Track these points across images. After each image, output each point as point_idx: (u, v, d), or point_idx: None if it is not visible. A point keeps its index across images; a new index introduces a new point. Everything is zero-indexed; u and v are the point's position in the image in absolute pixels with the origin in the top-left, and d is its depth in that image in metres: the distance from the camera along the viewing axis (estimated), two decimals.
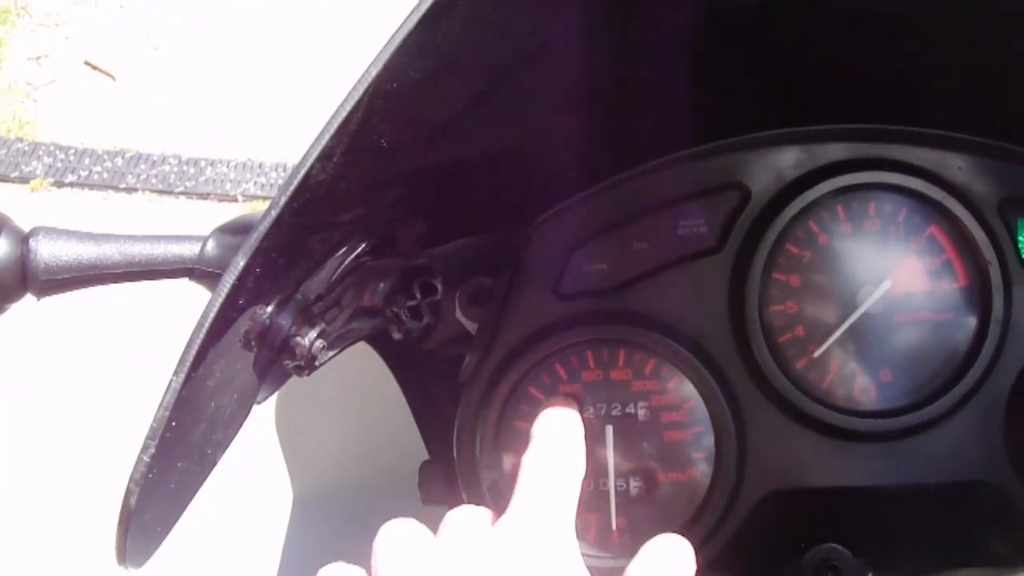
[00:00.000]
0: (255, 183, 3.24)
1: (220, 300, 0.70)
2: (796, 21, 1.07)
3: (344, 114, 0.72)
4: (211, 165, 3.39)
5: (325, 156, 0.73)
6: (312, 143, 0.72)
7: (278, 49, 3.51)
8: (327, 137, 0.72)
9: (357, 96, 0.72)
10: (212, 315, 0.70)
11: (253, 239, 0.72)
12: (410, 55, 0.74)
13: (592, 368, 1.22)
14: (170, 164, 3.42)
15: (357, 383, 1.47)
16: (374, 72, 0.72)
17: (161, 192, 3.37)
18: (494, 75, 0.94)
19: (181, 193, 3.38)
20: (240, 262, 0.71)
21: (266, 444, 1.51)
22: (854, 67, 1.16)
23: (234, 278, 0.71)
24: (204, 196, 3.39)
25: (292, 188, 0.72)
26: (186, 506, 0.88)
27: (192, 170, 3.37)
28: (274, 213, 0.72)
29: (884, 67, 1.15)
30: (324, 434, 1.53)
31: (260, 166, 3.34)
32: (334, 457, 1.52)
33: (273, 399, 1.55)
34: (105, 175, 3.37)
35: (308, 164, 0.72)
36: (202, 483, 0.91)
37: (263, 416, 1.52)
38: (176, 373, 0.70)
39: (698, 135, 1.22)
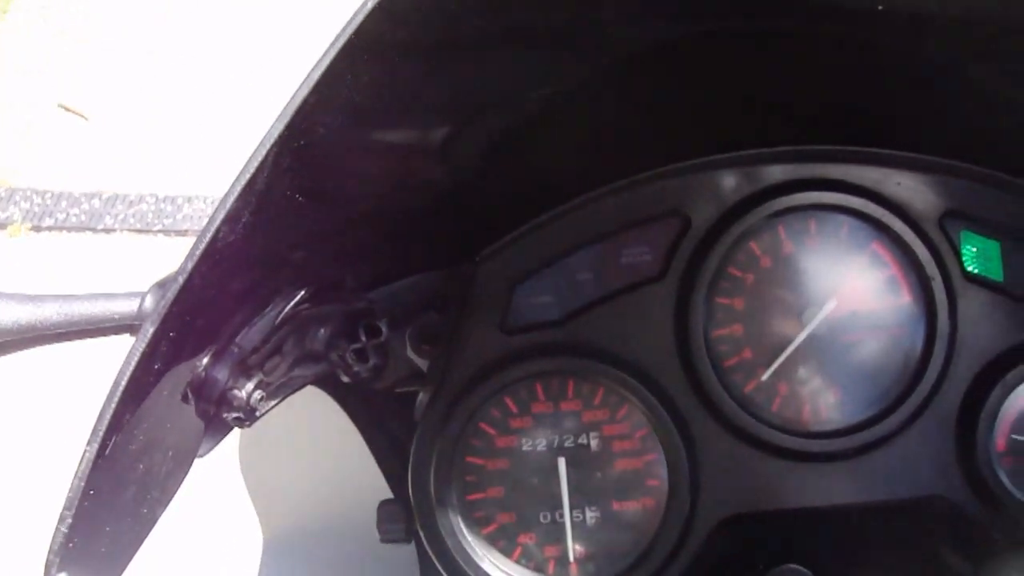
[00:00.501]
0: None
1: (130, 369, 0.71)
2: (733, 49, 1.07)
3: (247, 176, 0.72)
4: (188, 202, 3.38)
5: (231, 219, 0.73)
6: (216, 207, 0.72)
7: (251, 83, 3.52)
8: (231, 200, 0.72)
9: (260, 158, 0.72)
10: (123, 384, 0.70)
11: (161, 306, 0.72)
12: (314, 111, 0.74)
13: (542, 400, 1.23)
14: (147, 203, 3.42)
15: (320, 423, 1.47)
16: (275, 132, 0.72)
17: (139, 231, 3.37)
18: (418, 124, 0.94)
19: (159, 231, 3.38)
20: (149, 330, 0.72)
21: (229, 487, 1.51)
22: (793, 91, 1.16)
23: (143, 346, 0.71)
24: (183, 233, 3.38)
25: (199, 253, 0.72)
26: (125, 564, 0.88)
27: (169, 208, 3.37)
28: (181, 279, 0.72)
29: (824, 89, 1.15)
30: (288, 475, 1.53)
31: None
32: (297, 498, 1.52)
33: (237, 442, 1.55)
34: (83, 217, 3.37)
35: (213, 228, 0.72)
36: (142, 540, 0.90)
37: (225, 460, 1.52)
38: (89, 443, 0.70)
39: (637, 163, 1.23)
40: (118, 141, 3.55)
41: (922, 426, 1.21)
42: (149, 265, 3.32)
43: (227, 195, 0.72)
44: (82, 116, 3.60)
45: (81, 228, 3.39)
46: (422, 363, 1.26)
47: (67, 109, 3.61)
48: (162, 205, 3.44)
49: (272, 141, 0.72)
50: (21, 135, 3.60)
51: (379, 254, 1.16)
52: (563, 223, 1.25)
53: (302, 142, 0.76)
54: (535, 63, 0.99)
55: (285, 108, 0.72)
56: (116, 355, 0.74)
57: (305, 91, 0.72)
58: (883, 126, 1.21)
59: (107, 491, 0.76)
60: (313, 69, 0.72)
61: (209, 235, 0.72)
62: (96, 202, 3.44)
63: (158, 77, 3.65)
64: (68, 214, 3.41)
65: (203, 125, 3.51)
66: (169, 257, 3.32)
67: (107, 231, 3.39)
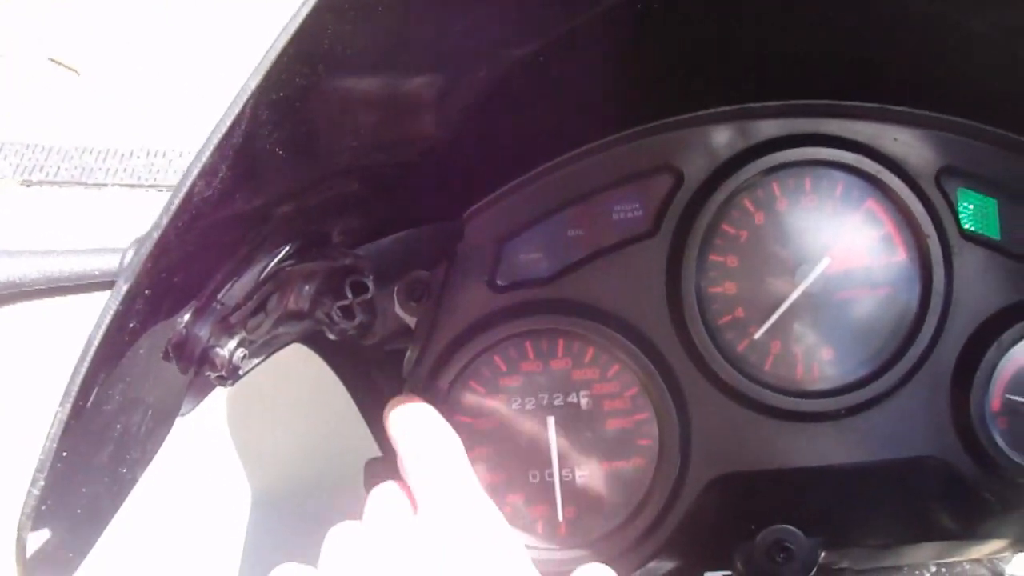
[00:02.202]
0: None
1: (103, 328, 0.69)
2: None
3: (224, 129, 0.70)
4: (179, 156, 3.35)
5: (208, 172, 0.71)
6: (192, 161, 0.70)
7: (244, 36, 3.48)
8: (207, 154, 0.70)
9: (237, 110, 0.70)
10: (96, 343, 0.68)
11: (135, 263, 0.70)
12: (294, 62, 0.72)
13: (531, 359, 1.21)
14: (139, 157, 3.38)
15: (309, 381, 1.46)
16: (253, 84, 0.70)
17: (132, 186, 3.34)
18: (401, 76, 0.92)
19: (151, 186, 3.35)
20: (122, 287, 0.70)
21: (218, 445, 1.50)
22: (787, 43, 1.14)
23: (116, 304, 0.69)
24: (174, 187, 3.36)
25: (174, 208, 0.70)
26: (103, 528, 0.87)
27: (161, 162, 3.34)
28: (155, 235, 0.70)
29: (818, 43, 1.13)
30: (277, 432, 1.52)
31: None
32: (287, 455, 1.51)
33: (225, 399, 1.54)
34: (74, 171, 3.34)
35: (188, 183, 0.70)
36: (121, 500, 0.89)
37: (214, 418, 1.51)
38: (61, 404, 0.68)
39: (628, 118, 1.21)
40: (109, 96, 3.52)
41: (916, 386, 1.19)
42: (140, 220, 3.30)
43: (202, 148, 0.70)
44: (73, 70, 3.56)
45: (72, 182, 3.37)
46: (410, 320, 1.24)
47: (58, 63, 3.57)
48: (153, 160, 3.41)
49: (249, 93, 0.70)
50: (11, 89, 3.56)
51: (365, 209, 1.13)
52: (552, 179, 1.23)
53: (281, 94, 0.74)
54: (522, 13, 0.96)
55: (263, 58, 0.70)
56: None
57: (283, 40, 0.70)
58: (879, 80, 1.19)
59: (82, 452, 0.75)
60: (292, 18, 0.70)
61: (184, 190, 0.70)
62: (87, 156, 3.41)
63: (150, 31, 3.61)
64: (59, 168, 3.38)
65: (195, 80, 3.47)
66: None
67: (98, 186, 3.36)
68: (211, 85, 3.43)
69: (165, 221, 0.70)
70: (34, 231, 3.27)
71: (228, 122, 0.70)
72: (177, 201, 0.70)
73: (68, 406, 0.68)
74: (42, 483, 0.69)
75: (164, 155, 3.41)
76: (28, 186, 3.37)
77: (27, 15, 3.70)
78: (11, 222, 3.30)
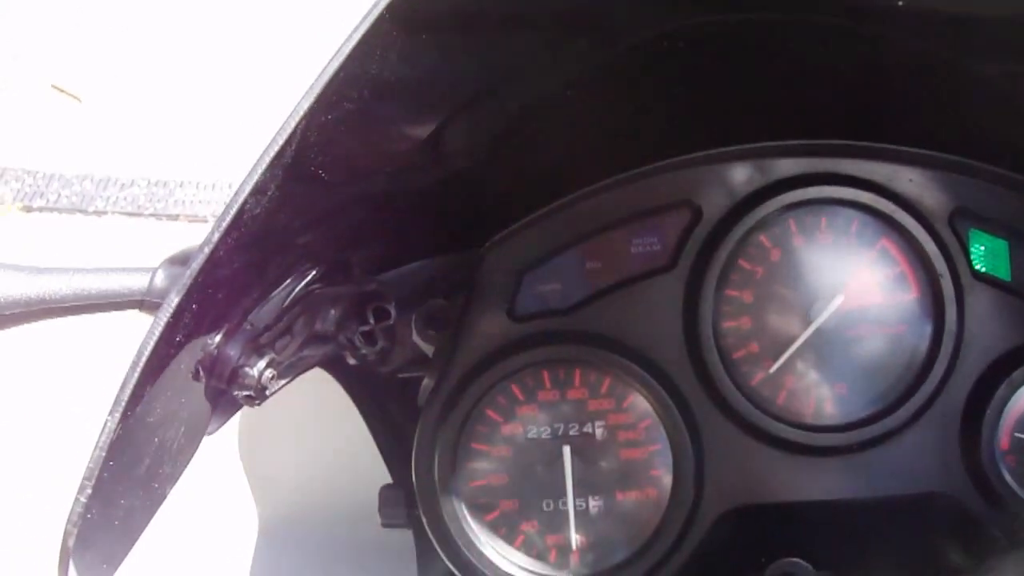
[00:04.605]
0: (224, 203, 3.19)
1: (154, 340, 0.70)
2: (744, 40, 1.07)
3: (276, 148, 0.72)
4: (180, 187, 3.37)
5: (258, 191, 0.73)
6: (244, 178, 0.72)
7: (245, 66, 3.50)
8: (259, 172, 0.72)
9: (289, 130, 0.72)
10: (147, 354, 0.70)
11: (187, 276, 0.72)
12: (343, 86, 0.74)
13: (548, 388, 1.23)
14: (139, 186, 3.40)
15: (321, 407, 1.46)
16: (306, 105, 0.72)
17: (131, 215, 3.36)
18: (437, 105, 0.94)
19: (151, 215, 3.36)
20: (174, 300, 0.71)
21: (230, 471, 1.50)
22: (804, 85, 1.16)
23: (168, 316, 0.71)
24: (174, 218, 3.37)
25: (225, 224, 0.72)
26: (135, 540, 0.88)
27: (161, 191, 3.36)
28: (207, 250, 0.72)
29: (836, 84, 1.15)
30: (288, 459, 1.52)
31: (229, 186, 3.32)
32: (298, 482, 1.51)
33: (236, 425, 1.55)
34: (74, 198, 3.36)
35: (241, 200, 0.72)
36: (151, 516, 0.90)
37: (227, 443, 1.51)
38: (111, 413, 0.70)
39: (649, 154, 1.23)
40: (111, 123, 3.53)
41: (926, 423, 1.21)
42: (139, 249, 3.30)
43: (255, 167, 0.72)
44: (76, 98, 3.58)
45: (72, 209, 3.38)
46: (427, 348, 1.25)
47: (60, 90, 3.59)
48: (154, 189, 3.42)
49: (303, 113, 0.71)
50: (14, 116, 3.58)
51: (388, 236, 1.15)
52: (573, 212, 1.25)
53: (329, 116, 0.76)
54: (548, 49, 0.99)
55: (315, 81, 0.72)
56: (116, 331, 0.74)
57: (337, 63, 0.72)
58: (895, 122, 1.21)
59: (125, 463, 0.76)
60: (345, 42, 0.72)
61: (236, 206, 0.71)
62: (88, 184, 3.42)
63: (152, 60, 3.63)
64: (60, 195, 3.39)
65: (196, 110, 3.49)
66: (159, 241, 3.30)
67: (98, 213, 3.38)
68: (211, 116, 3.45)
69: (216, 237, 0.72)
70: (33, 257, 3.28)
71: (280, 142, 0.72)
72: (229, 217, 0.72)
73: (118, 415, 0.69)
74: (89, 491, 0.70)
75: (165, 184, 3.43)
76: (28, 212, 3.38)
77: (31, 42, 3.72)
78: (11, 247, 3.30)
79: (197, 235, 0.89)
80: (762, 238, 1.22)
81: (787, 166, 1.23)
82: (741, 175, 1.23)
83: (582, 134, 1.16)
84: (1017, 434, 1.20)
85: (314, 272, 1.04)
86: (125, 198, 3.42)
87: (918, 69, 1.09)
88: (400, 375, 1.29)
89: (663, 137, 1.21)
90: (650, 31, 1.00)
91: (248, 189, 0.71)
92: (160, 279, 1.05)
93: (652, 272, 1.23)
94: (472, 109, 0.98)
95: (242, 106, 3.36)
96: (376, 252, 1.17)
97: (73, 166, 3.46)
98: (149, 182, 3.45)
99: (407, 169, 1.03)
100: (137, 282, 1.06)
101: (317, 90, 0.72)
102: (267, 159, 0.71)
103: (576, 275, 1.24)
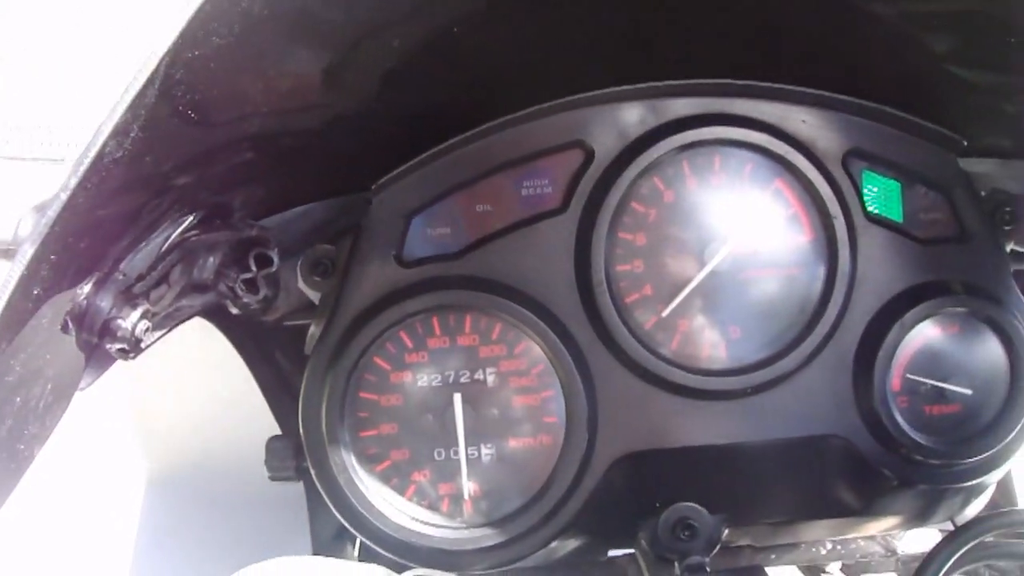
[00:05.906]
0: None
1: (7, 294, 0.65)
2: None
3: (138, 87, 0.67)
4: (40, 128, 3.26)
5: (119, 132, 0.68)
6: (103, 120, 0.67)
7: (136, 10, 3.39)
8: (119, 113, 0.67)
9: (151, 68, 0.67)
10: (0, 308, 0.65)
11: (41, 224, 0.67)
12: (211, 20, 0.69)
13: (438, 335, 1.20)
14: (23, 130, 3.29)
15: (205, 356, 1.42)
16: (168, 41, 0.67)
17: (11, 159, 3.24)
18: (314, 42, 0.89)
19: (33, 160, 3.25)
20: (28, 250, 0.66)
21: (112, 425, 1.46)
22: (699, 22, 1.14)
23: (22, 268, 0.66)
24: (57, 161, 3.27)
25: (83, 169, 0.67)
26: (2, 503, 0.83)
27: (45, 136, 3.25)
28: (64, 196, 0.67)
29: (729, 22, 1.13)
30: (172, 411, 1.48)
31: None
32: (182, 434, 1.47)
33: (122, 378, 1.49)
34: None
35: (100, 142, 0.67)
36: (19, 478, 0.85)
37: (110, 396, 1.46)
38: None
39: (539, 94, 1.19)
40: None
41: (820, 365, 1.21)
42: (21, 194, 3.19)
43: (115, 106, 0.67)
44: None
45: None
46: (314, 295, 1.21)
47: None
48: (35, 133, 3.30)
49: (165, 49, 0.67)
50: None
51: (270, 179, 1.10)
52: (461, 153, 1.21)
53: (196, 52, 0.71)
54: None
55: (179, 14, 0.67)
56: None
57: None
58: (788, 62, 1.20)
59: None
60: None
61: (95, 149, 0.66)
62: None
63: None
64: None
65: (81, 48, 3.37)
66: (43, 186, 3.20)
67: None
68: (103, 58, 3.33)
69: (74, 182, 0.67)
70: None
71: (142, 80, 0.67)
72: (88, 161, 0.67)
73: None
74: None
75: (49, 128, 3.31)
76: None
77: None
78: None
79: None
80: (655, 180, 1.20)
81: (680, 106, 1.21)
82: (633, 115, 1.21)
83: (470, 74, 1.12)
84: (909, 375, 1.21)
85: (191, 217, 0.99)
86: (7, 142, 3.29)
87: (811, 6, 1.07)
88: (286, 323, 1.25)
89: (553, 77, 1.18)
90: None
91: (107, 131, 0.67)
92: (26, 226, 0.99)
93: (543, 215, 1.21)
94: (357, 47, 0.93)
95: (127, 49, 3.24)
96: (258, 196, 1.12)
97: None
98: (31, 125, 3.31)
99: (290, 109, 0.99)
100: (5, 231, 1.00)
101: (180, 25, 0.67)
102: (127, 99, 0.66)
103: (465, 219, 1.21)
